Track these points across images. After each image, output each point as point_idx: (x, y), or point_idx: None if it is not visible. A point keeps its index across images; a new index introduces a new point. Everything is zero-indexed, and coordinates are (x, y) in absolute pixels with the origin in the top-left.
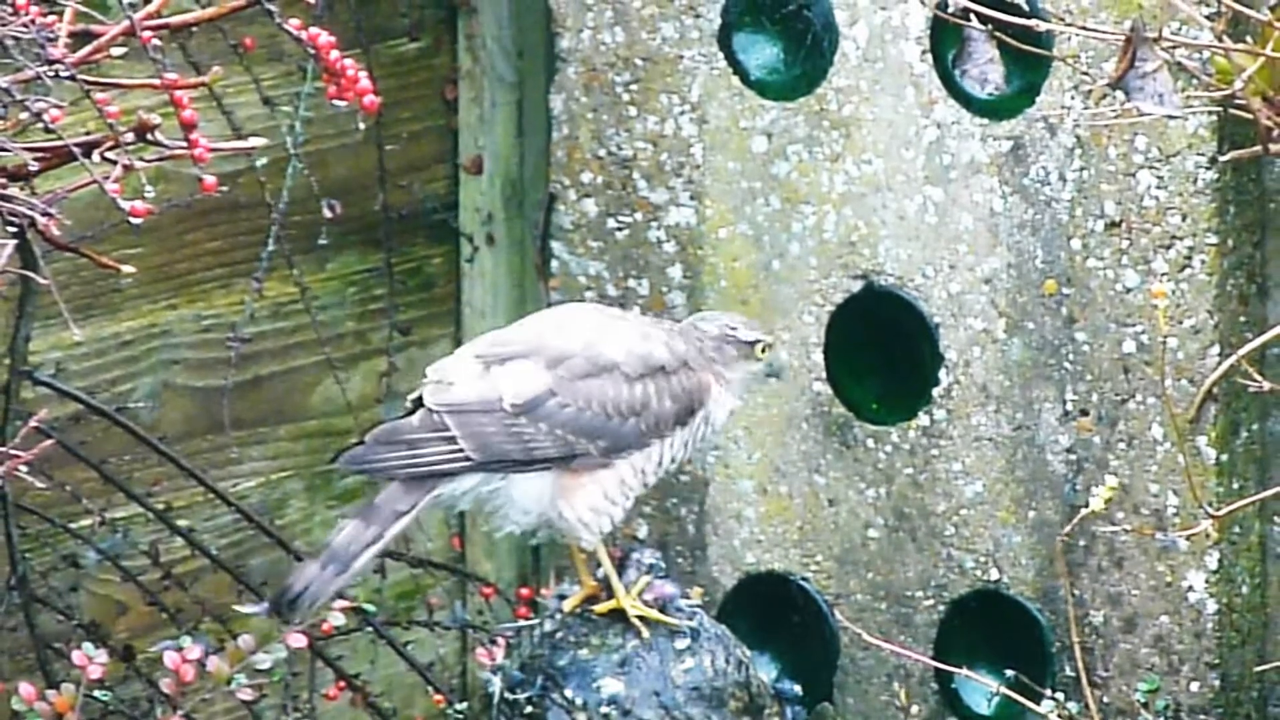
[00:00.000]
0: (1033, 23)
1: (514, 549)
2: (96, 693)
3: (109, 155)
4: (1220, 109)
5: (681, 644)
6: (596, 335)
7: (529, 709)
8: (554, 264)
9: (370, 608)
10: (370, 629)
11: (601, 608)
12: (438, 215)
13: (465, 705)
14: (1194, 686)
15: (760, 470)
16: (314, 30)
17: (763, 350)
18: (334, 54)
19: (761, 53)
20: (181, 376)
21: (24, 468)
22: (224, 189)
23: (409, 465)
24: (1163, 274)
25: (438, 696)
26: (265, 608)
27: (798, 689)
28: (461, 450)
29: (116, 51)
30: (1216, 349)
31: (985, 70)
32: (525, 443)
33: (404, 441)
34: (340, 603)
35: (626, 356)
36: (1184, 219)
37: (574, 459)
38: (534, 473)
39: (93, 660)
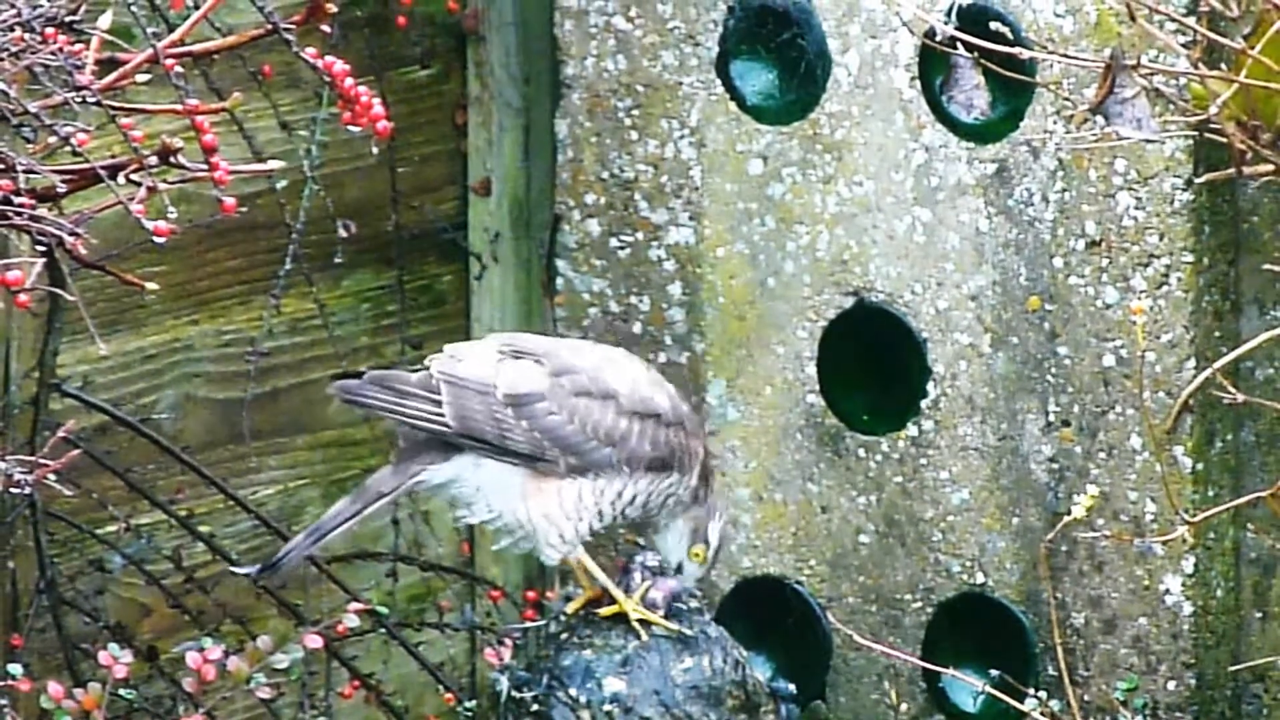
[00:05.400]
0: (1017, 50)
1: (521, 554)
2: (121, 691)
3: (134, 177)
4: (1196, 133)
5: (681, 645)
6: (608, 365)
7: (535, 707)
8: (559, 281)
9: (383, 610)
10: (383, 630)
11: (605, 611)
12: (448, 235)
13: (474, 703)
14: (1171, 685)
15: (756, 478)
16: (329, 58)
17: (699, 556)
18: (348, 81)
19: (758, 79)
20: (203, 389)
21: (53, 476)
22: (243, 210)
23: (390, 410)
24: (1141, 291)
25: (448, 695)
26: (255, 570)
27: (792, 688)
28: (442, 416)
29: (141, 78)
30: (1193, 362)
31: (971, 96)
32: (502, 431)
33: (396, 390)
34: (355, 605)
35: (628, 391)
36: (1161, 238)
37: (540, 463)
38: (505, 465)
39: (118, 660)
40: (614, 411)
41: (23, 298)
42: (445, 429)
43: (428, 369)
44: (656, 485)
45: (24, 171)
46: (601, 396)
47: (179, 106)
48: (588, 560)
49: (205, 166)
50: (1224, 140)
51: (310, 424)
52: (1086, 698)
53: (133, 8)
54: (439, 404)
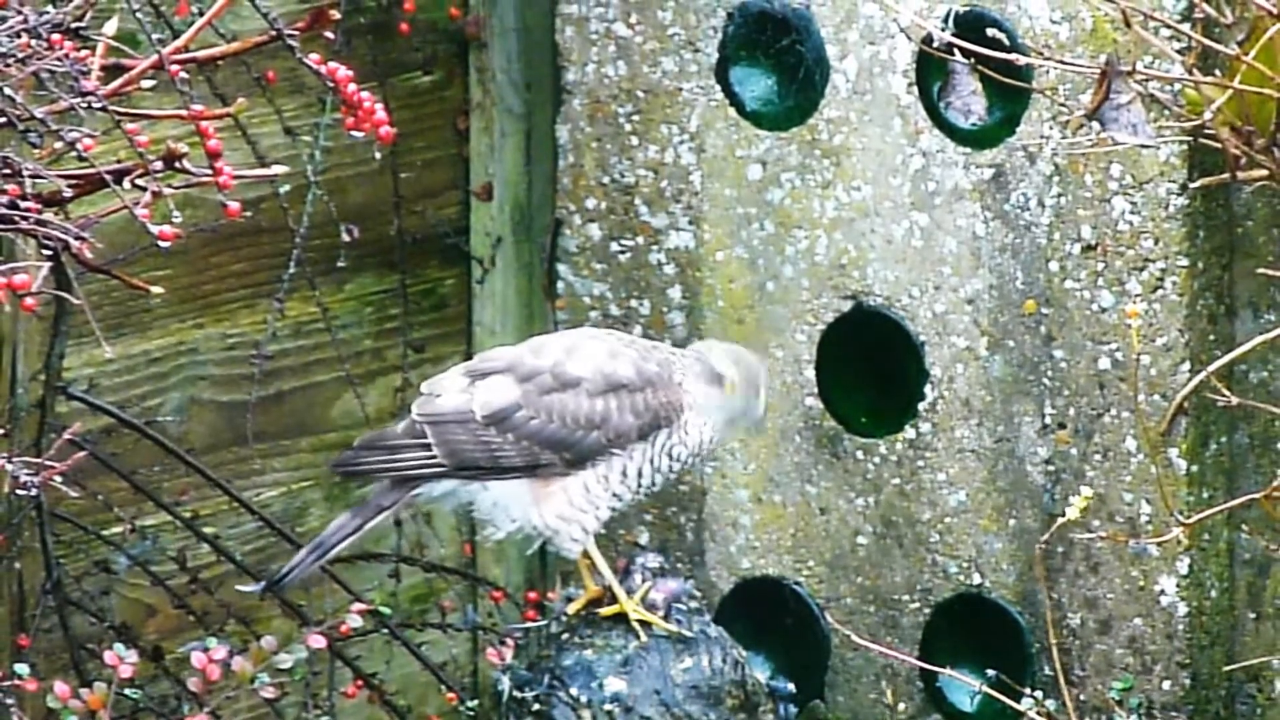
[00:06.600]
0: (1013, 57)
1: (522, 555)
2: (127, 691)
3: (139, 182)
4: (1191, 138)
5: (680, 645)
6: (567, 354)
7: (536, 706)
8: (560, 285)
9: (386, 610)
10: (386, 631)
11: (605, 611)
12: (450, 239)
13: (476, 703)
14: (1166, 685)
15: (755, 480)
16: (333, 64)
17: (730, 388)
18: (351, 87)
19: (757, 85)
20: (208, 392)
21: (59, 478)
22: (248, 214)
23: (389, 469)
24: (1136, 294)
25: (450, 695)
26: (261, 586)
27: (791, 687)
28: (435, 457)
29: (146, 84)
30: (1187, 365)
31: (968, 102)
32: (493, 452)
33: (387, 447)
34: (358, 605)
35: (591, 374)
36: (1156, 243)
37: (539, 469)
38: (509, 480)
39: (124, 660)
40: (586, 397)
41: (29, 301)
42: (442, 469)
43: (410, 415)
44: (654, 449)
45: (30, 176)
46: (569, 387)
47: (184, 112)
48: (597, 555)
49: (210, 171)
50: (1218, 145)
51: (314, 426)
52: (1082, 697)
53: (138, 14)
54: (429, 446)
